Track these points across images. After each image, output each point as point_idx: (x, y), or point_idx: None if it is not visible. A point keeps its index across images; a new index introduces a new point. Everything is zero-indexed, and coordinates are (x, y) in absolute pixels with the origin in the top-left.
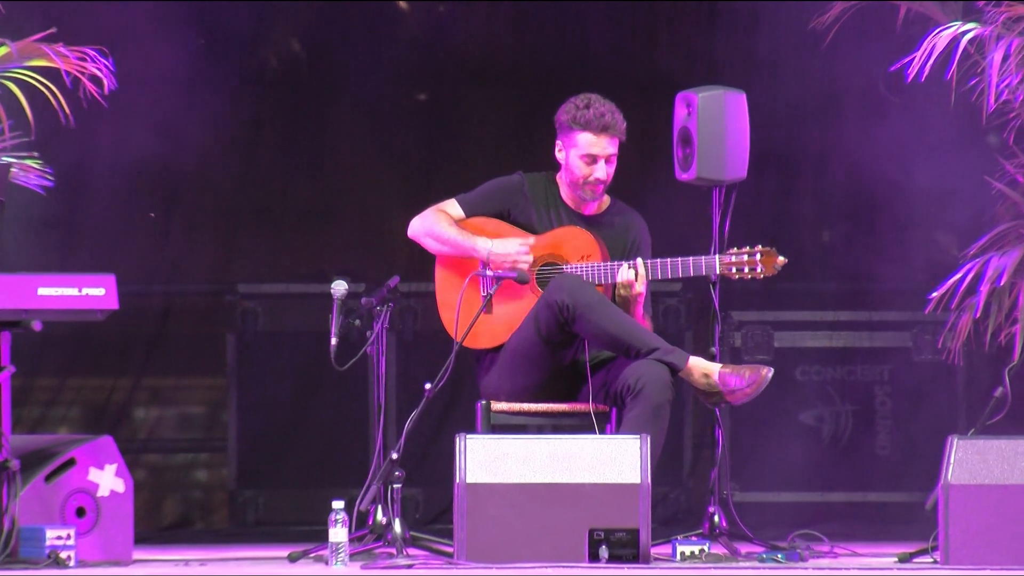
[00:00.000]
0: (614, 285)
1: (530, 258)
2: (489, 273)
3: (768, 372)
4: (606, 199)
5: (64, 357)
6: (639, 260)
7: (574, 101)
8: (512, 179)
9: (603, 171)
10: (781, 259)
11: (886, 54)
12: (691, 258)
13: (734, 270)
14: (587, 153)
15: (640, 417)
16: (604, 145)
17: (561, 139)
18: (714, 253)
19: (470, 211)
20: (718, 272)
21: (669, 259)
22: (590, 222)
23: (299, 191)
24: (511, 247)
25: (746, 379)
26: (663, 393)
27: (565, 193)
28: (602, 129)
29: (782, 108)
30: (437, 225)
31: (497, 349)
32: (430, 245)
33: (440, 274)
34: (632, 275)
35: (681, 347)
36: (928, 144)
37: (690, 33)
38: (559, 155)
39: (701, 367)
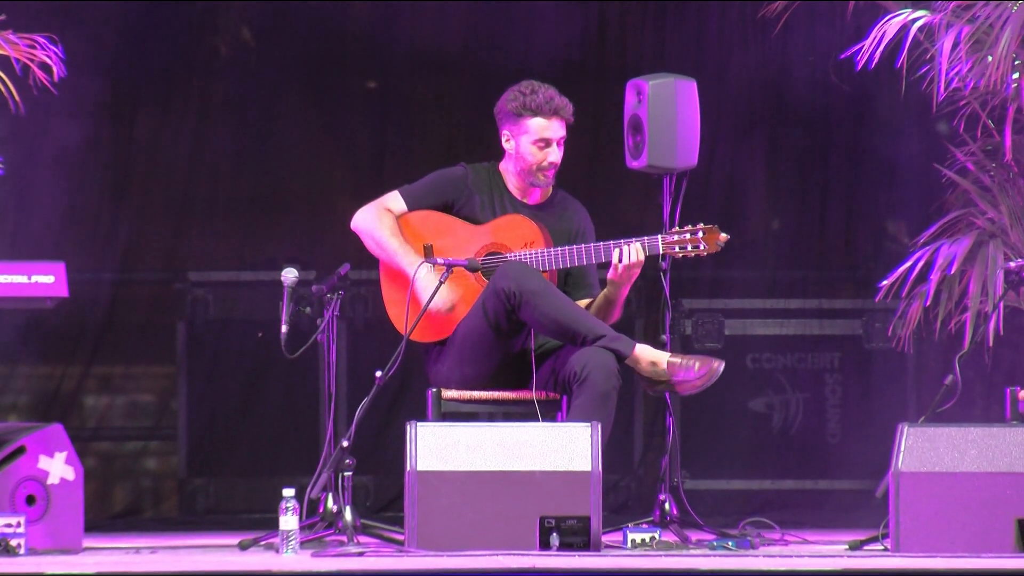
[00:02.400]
0: (559, 271)
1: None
2: (440, 261)
3: (719, 365)
4: (549, 188)
5: (13, 345)
6: (635, 241)
7: (518, 89)
8: (455, 171)
9: (556, 155)
10: (723, 236)
11: (836, 42)
12: (633, 240)
13: (677, 248)
14: (540, 138)
15: (586, 405)
16: (556, 128)
17: (508, 128)
18: (657, 234)
19: (413, 204)
20: (661, 251)
21: (612, 242)
22: (535, 211)
23: (249, 179)
24: (428, 290)
25: (695, 371)
26: (608, 380)
27: (511, 183)
28: (552, 112)
29: (732, 96)
30: (378, 230)
31: (444, 341)
32: (370, 246)
33: (385, 270)
34: (635, 257)
35: (631, 335)
36: (878, 132)
37: (640, 22)
38: (507, 145)
39: (649, 355)
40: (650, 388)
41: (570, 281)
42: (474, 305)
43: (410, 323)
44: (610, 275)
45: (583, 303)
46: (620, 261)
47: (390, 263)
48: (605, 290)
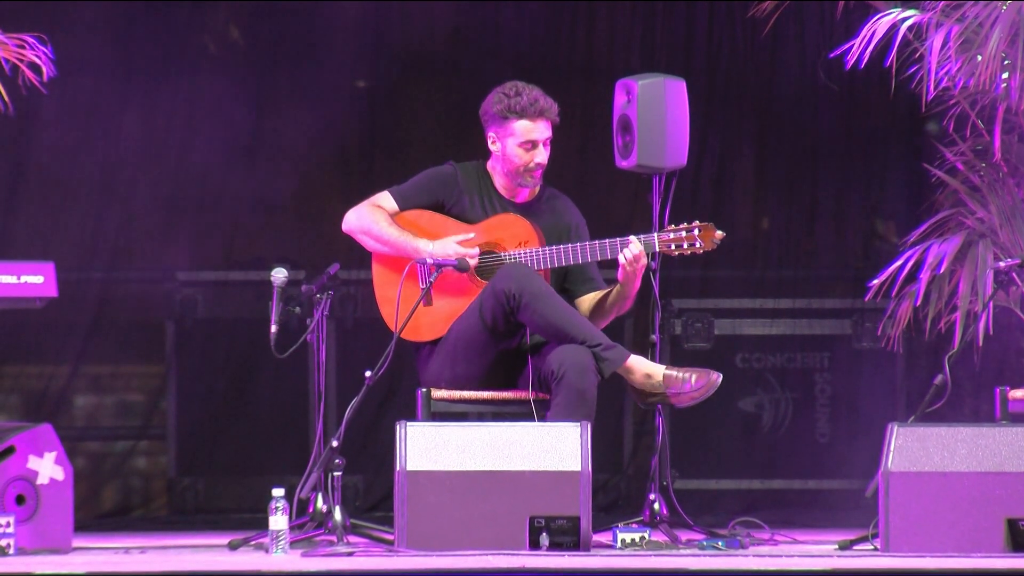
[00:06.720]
0: (554, 270)
1: (473, 251)
2: (429, 261)
3: (717, 377)
4: (536, 187)
5: (2, 344)
6: (632, 237)
7: (502, 91)
8: (444, 169)
9: (543, 155)
10: (719, 233)
11: (825, 41)
12: (630, 237)
13: (673, 247)
14: (527, 140)
15: (564, 403)
16: (542, 130)
17: (494, 130)
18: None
19: (404, 204)
20: (657, 249)
21: (608, 240)
22: (524, 209)
23: (238, 178)
24: (449, 248)
25: (692, 384)
26: (583, 377)
27: (499, 182)
28: (538, 114)
29: (721, 95)
30: (375, 224)
31: (436, 341)
32: (367, 243)
33: (377, 270)
34: (638, 248)
35: (621, 334)
36: (867, 131)
37: (629, 22)
38: (493, 147)
39: (643, 367)
40: (641, 400)
41: (571, 277)
42: (470, 305)
43: (401, 320)
44: (619, 276)
45: (590, 296)
46: (626, 260)
47: (394, 252)
48: (617, 287)
